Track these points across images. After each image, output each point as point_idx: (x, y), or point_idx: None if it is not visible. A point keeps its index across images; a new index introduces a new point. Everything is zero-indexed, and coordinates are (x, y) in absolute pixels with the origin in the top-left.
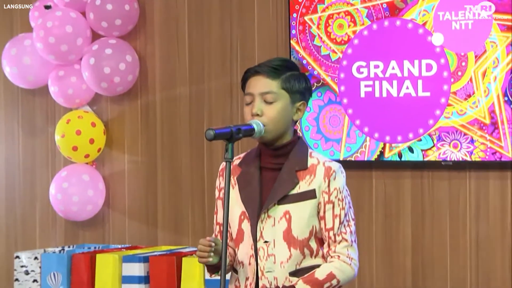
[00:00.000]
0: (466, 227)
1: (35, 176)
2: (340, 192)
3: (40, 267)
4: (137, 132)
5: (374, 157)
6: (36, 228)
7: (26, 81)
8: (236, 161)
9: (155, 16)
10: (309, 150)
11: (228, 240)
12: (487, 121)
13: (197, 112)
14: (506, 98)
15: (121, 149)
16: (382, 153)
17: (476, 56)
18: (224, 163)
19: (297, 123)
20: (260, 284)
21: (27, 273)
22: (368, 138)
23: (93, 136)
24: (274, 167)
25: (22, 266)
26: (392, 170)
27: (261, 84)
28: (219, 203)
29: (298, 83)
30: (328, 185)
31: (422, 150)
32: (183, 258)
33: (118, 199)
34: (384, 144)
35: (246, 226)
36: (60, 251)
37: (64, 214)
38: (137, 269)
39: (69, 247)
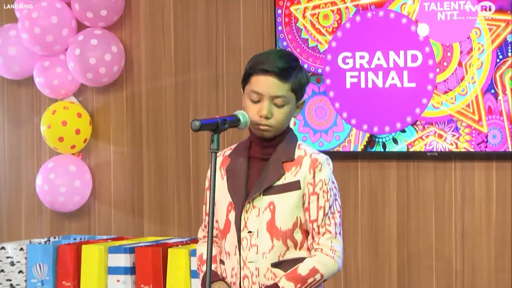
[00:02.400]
0: (451, 217)
1: (20, 167)
2: (325, 184)
3: (25, 258)
4: (122, 122)
5: (360, 148)
6: (22, 219)
7: (11, 72)
8: (227, 151)
9: (141, 6)
10: (298, 142)
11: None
12: (473, 111)
13: (182, 103)
14: (492, 90)
15: (106, 139)
16: (367, 145)
17: (461, 47)
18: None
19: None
20: (242, 274)
21: (12, 264)
22: (354, 129)
23: (79, 127)
24: (262, 157)
25: (7, 257)
26: (377, 161)
27: (272, 87)
28: (208, 194)
29: (303, 81)
30: (314, 177)
31: (406, 141)
32: (169, 249)
33: (104, 190)
34: (370, 135)
35: (233, 216)
36: (45, 242)
37: (51, 205)
38: (123, 260)
39: (54, 238)
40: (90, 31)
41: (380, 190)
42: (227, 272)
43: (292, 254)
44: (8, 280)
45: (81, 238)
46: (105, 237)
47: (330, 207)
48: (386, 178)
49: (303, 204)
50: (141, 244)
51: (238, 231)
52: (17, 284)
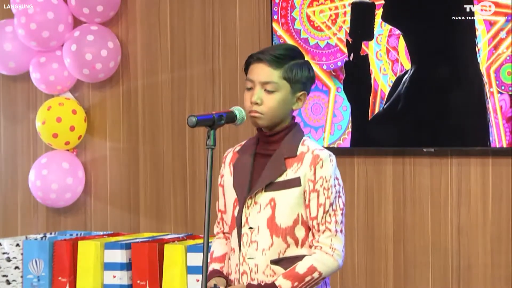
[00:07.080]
0: (447, 213)
1: (16, 163)
2: (327, 181)
3: (22, 254)
4: (119, 118)
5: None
6: (18, 214)
7: (7, 68)
8: (237, 148)
9: (137, 2)
10: (303, 138)
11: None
12: None
13: (178, 99)
14: (488, 87)
15: (102, 135)
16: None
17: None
18: (227, 152)
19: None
20: (241, 270)
21: (8, 260)
22: (350, 125)
23: (74, 124)
24: (267, 153)
25: (4, 253)
26: (374, 157)
27: (262, 73)
28: (220, 190)
29: (301, 72)
30: (314, 173)
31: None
32: (165, 245)
33: (100, 186)
34: None
35: (237, 212)
36: (42, 238)
37: (43, 200)
38: (119, 256)
39: (51, 234)
40: (86, 27)
41: (376, 186)
42: (232, 269)
43: (293, 251)
44: (4, 276)
45: (77, 234)
46: (101, 233)
47: (331, 205)
48: (382, 174)
49: (304, 201)
50: (137, 240)
51: (239, 227)
52: (13, 280)
